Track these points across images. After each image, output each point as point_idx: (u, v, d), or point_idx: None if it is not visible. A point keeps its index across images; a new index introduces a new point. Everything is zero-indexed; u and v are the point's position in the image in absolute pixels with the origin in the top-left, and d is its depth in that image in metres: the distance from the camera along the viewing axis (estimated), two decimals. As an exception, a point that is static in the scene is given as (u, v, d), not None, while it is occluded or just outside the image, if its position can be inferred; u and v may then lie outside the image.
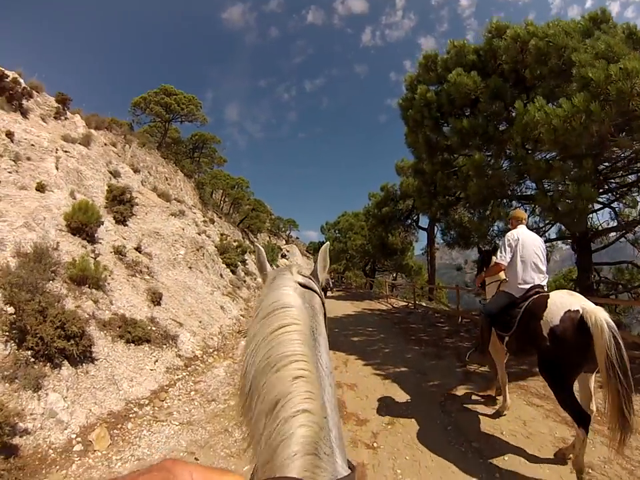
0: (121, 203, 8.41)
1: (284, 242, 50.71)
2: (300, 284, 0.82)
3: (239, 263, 15.16)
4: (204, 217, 17.39)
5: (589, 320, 2.53)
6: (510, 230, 3.75)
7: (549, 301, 2.92)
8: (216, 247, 13.05)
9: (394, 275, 27.69)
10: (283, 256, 25.10)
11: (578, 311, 2.66)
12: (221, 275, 10.89)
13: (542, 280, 3.45)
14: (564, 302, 2.81)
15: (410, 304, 14.51)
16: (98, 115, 15.53)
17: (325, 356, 0.74)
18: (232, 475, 0.40)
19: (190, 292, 7.53)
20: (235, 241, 19.21)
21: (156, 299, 6.15)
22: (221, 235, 17.38)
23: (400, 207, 19.10)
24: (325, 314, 0.88)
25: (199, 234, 10.91)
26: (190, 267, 8.45)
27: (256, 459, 0.56)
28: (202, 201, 23.80)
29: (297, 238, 65.93)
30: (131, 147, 16.07)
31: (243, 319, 8.90)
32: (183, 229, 9.46)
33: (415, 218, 19.51)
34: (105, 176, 10.33)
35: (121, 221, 7.98)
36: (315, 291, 0.86)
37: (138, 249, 7.44)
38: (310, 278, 0.88)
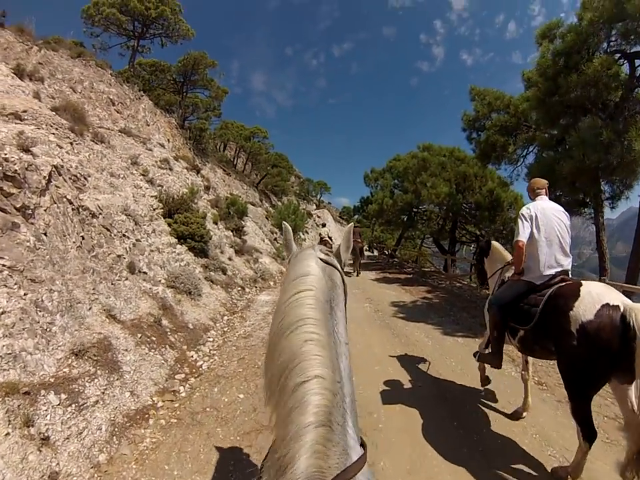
0: None
1: (314, 207, 44.24)
2: (321, 259, 0.88)
3: (222, 232, 8.36)
4: (178, 159, 10.67)
5: (632, 320, 2.01)
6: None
7: (582, 289, 2.35)
8: (160, 201, 6.26)
9: (471, 247, 18.74)
10: (324, 225, 17.98)
11: (618, 307, 2.13)
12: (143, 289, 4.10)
13: (567, 264, 2.79)
14: (602, 294, 2.25)
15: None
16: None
17: (342, 327, 0.79)
18: None
19: None
20: (230, 197, 12.41)
21: None
22: (204, 185, 10.60)
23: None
24: (345, 291, 0.94)
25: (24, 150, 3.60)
26: None
27: (274, 423, 0.57)
28: (197, 148, 17.06)
29: (329, 203, 58.88)
30: (42, 51, 9.51)
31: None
32: None
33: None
34: None
35: None
36: (336, 267, 0.92)
37: None
38: (331, 256, 0.94)
